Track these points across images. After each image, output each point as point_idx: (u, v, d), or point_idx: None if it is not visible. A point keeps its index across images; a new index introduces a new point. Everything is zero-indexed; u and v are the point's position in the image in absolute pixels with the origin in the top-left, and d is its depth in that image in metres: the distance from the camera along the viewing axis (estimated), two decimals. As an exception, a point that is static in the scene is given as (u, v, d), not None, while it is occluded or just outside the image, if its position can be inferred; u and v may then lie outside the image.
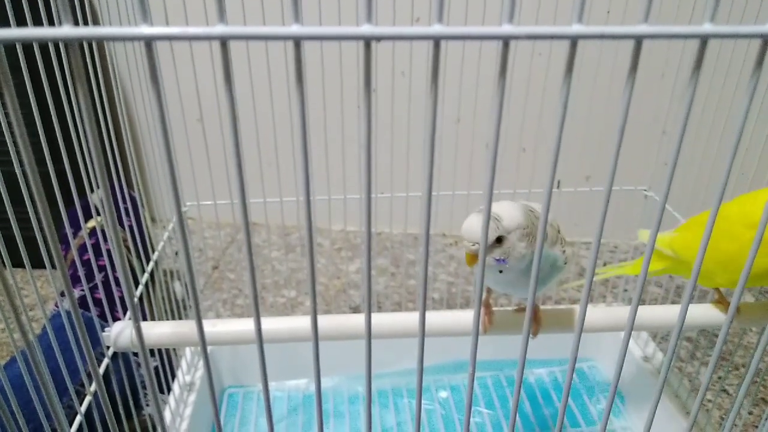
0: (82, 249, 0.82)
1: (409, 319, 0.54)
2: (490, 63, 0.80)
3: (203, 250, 1.20)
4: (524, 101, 0.81)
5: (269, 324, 0.52)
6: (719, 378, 0.90)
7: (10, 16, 0.41)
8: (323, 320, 0.54)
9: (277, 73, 0.74)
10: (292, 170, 0.78)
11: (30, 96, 0.44)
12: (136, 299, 0.64)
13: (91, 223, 0.80)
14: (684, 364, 0.91)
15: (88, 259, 0.79)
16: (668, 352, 0.30)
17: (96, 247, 0.75)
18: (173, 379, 0.71)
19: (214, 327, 0.52)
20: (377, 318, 0.55)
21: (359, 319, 0.54)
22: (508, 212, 0.42)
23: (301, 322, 0.53)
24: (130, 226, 0.77)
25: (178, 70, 0.72)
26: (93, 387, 0.52)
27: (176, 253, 0.82)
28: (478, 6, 0.74)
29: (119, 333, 0.50)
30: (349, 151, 0.85)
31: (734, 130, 0.21)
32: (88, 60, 0.55)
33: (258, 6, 0.68)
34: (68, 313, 0.68)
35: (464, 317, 0.52)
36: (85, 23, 0.56)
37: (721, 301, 0.51)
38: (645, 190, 0.90)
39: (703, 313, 0.53)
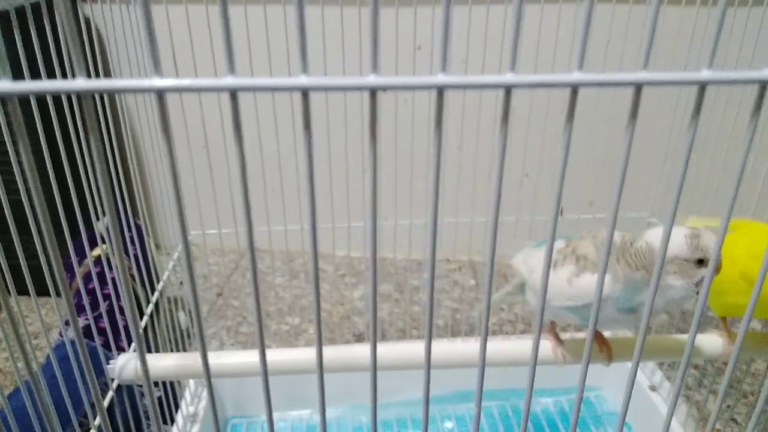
0: (87, 278, 0.82)
1: (414, 349, 0.54)
2: (493, 91, 0.81)
3: (207, 277, 1.20)
4: (527, 125, 0.82)
5: (273, 356, 0.52)
6: (728, 407, 0.89)
7: (23, 63, 0.42)
8: (327, 351, 0.53)
9: (282, 102, 0.75)
10: (297, 197, 0.78)
11: (38, 126, 0.44)
12: (141, 331, 0.64)
13: (97, 252, 0.81)
14: (691, 392, 0.90)
15: (93, 288, 0.79)
16: (675, 384, 0.29)
17: (101, 276, 0.75)
18: (176, 410, 0.70)
19: (218, 359, 0.52)
20: (381, 348, 0.55)
21: (363, 350, 0.54)
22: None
23: (305, 354, 0.53)
24: (135, 255, 0.77)
25: (183, 98, 0.73)
26: (97, 421, 0.51)
27: (180, 282, 0.82)
28: (478, 52, 0.75)
29: (124, 365, 0.50)
30: (353, 179, 0.86)
31: (732, 161, 0.22)
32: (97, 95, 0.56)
33: (264, 55, 0.69)
34: (72, 342, 0.68)
35: (472, 348, 0.52)
36: (97, 72, 0.57)
37: (723, 335, 0.51)
38: (648, 218, 0.90)
39: (706, 343, 0.53)
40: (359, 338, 1.04)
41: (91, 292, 0.78)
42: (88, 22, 0.67)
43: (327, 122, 0.75)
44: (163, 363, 0.49)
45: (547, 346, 0.50)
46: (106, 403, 0.52)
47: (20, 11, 0.45)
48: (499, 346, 0.51)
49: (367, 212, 0.21)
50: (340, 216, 0.84)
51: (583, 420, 0.83)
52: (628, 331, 0.95)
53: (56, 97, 0.48)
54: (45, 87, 0.17)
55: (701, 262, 0.41)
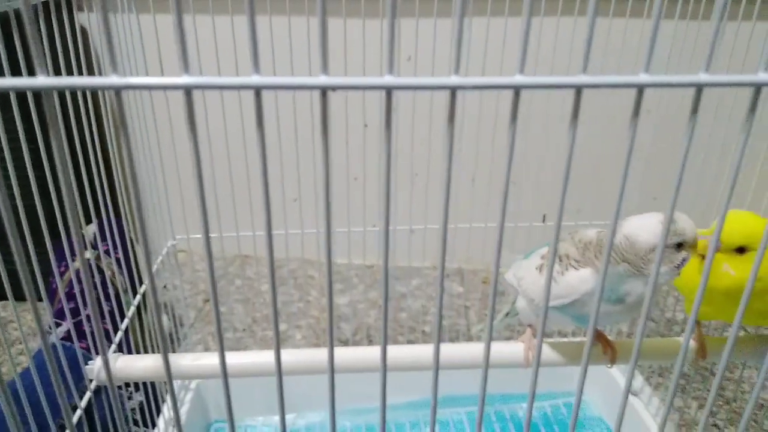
0: (71, 283, 0.83)
1: (398, 352, 0.54)
2: (480, 99, 0.82)
3: (195, 283, 1.20)
4: (539, 139, 0.83)
5: (252, 358, 0.53)
6: (710, 413, 0.90)
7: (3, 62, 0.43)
8: (305, 354, 0.54)
9: (268, 110, 0.76)
10: (281, 203, 0.79)
11: (19, 131, 0.45)
12: (121, 332, 0.64)
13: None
14: (674, 399, 0.90)
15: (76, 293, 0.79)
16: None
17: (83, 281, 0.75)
18: (158, 414, 0.71)
19: (197, 360, 0.53)
20: (364, 351, 0.55)
21: (341, 353, 0.54)
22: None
23: (283, 356, 0.53)
24: (118, 259, 0.77)
25: (170, 104, 0.74)
26: (75, 419, 0.51)
27: (164, 286, 0.82)
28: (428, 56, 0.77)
29: (102, 366, 0.50)
30: (340, 184, 0.87)
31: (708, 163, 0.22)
32: (80, 96, 0.57)
33: (223, 56, 0.70)
34: (53, 346, 0.68)
35: (455, 350, 0.52)
36: (80, 70, 0.58)
37: (695, 338, 0.52)
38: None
39: (669, 346, 0.54)
40: (345, 344, 1.04)
41: (74, 297, 0.78)
42: (83, 30, 0.68)
43: (312, 128, 0.76)
44: (139, 364, 0.49)
45: (519, 348, 0.51)
46: (83, 403, 0.52)
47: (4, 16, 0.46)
48: (467, 350, 0.52)
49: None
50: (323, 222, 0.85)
51: (564, 424, 0.83)
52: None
53: (38, 99, 0.48)
54: (6, 84, 0.18)
55: (680, 246, 0.43)
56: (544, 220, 0.85)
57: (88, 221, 0.65)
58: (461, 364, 0.50)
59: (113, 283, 0.73)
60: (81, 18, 0.85)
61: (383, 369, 0.27)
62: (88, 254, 0.81)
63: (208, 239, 0.22)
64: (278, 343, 0.26)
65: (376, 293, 1.21)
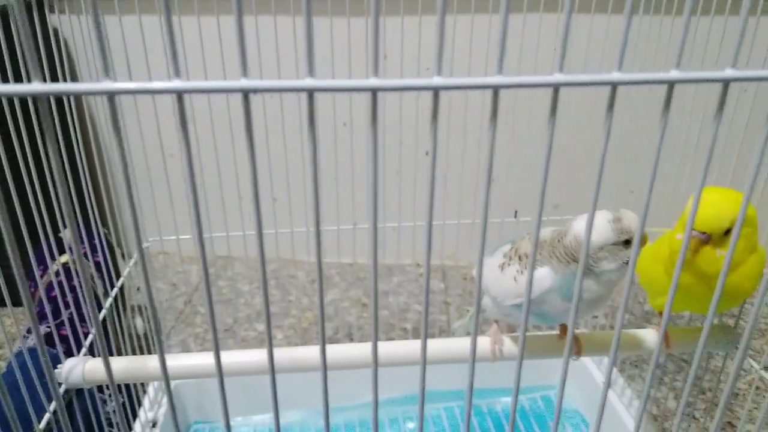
0: (51, 286, 0.82)
1: (357, 349, 0.55)
2: (461, 99, 0.82)
3: (176, 284, 1.20)
4: (510, 135, 0.83)
5: (222, 358, 0.53)
6: (687, 404, 0.91)
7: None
8: (281, 353, 0.54)
9: (237, 114, 0.76)
10: (254, 203, 0.79)
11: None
12: (92, 334, 0.64)
13: (63, 259, 0.81)
14: (652, 390, 0.92)
15: (56, 296, 0.79)
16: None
17: (62, 285, 0.75)
18: (134, 418, 0.71)
19: (172, 361, 0.53)
20: (343, 348, 0.55)
21: (312, 352, 0.54)
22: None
23: (256, 356, 0.54)
24: (97, 263, 0.77)
25: (138, 106, 0.74)
26: (42, 424, 0.52)
27: (138, 288, 0.82)
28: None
29: (71, 369, 0.51)
30: (324, 183, 0.87)
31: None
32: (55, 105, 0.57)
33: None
34: (30, 350, 0.68)
35: (438, 345, 0.53)
36: (57, 78, 0.58)
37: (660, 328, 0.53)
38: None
39: (645, 338, 0.55)
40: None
41: (53, 300, 0.78)
42: (56, 31, 0.68)
43: (282, 128, 0.76)
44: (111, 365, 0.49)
45: (486, 342, 0.52)
46: (52, 408, 0.52)
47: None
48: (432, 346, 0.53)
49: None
50: (311, 221, 0.85)
51: (542, 417, 0.84)
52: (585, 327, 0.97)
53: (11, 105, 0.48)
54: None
55: (627, 243, 0.44)
56: (516, 216, 0.86)
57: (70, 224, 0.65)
58: (417, 360, 0.51)
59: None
60: (53, 20, 0.85)
61: (323, 369, 0.28)
62: (65, 258, 0.81)
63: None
64: (217, 345, 0.26)
65: (357, 291, 1.21)
